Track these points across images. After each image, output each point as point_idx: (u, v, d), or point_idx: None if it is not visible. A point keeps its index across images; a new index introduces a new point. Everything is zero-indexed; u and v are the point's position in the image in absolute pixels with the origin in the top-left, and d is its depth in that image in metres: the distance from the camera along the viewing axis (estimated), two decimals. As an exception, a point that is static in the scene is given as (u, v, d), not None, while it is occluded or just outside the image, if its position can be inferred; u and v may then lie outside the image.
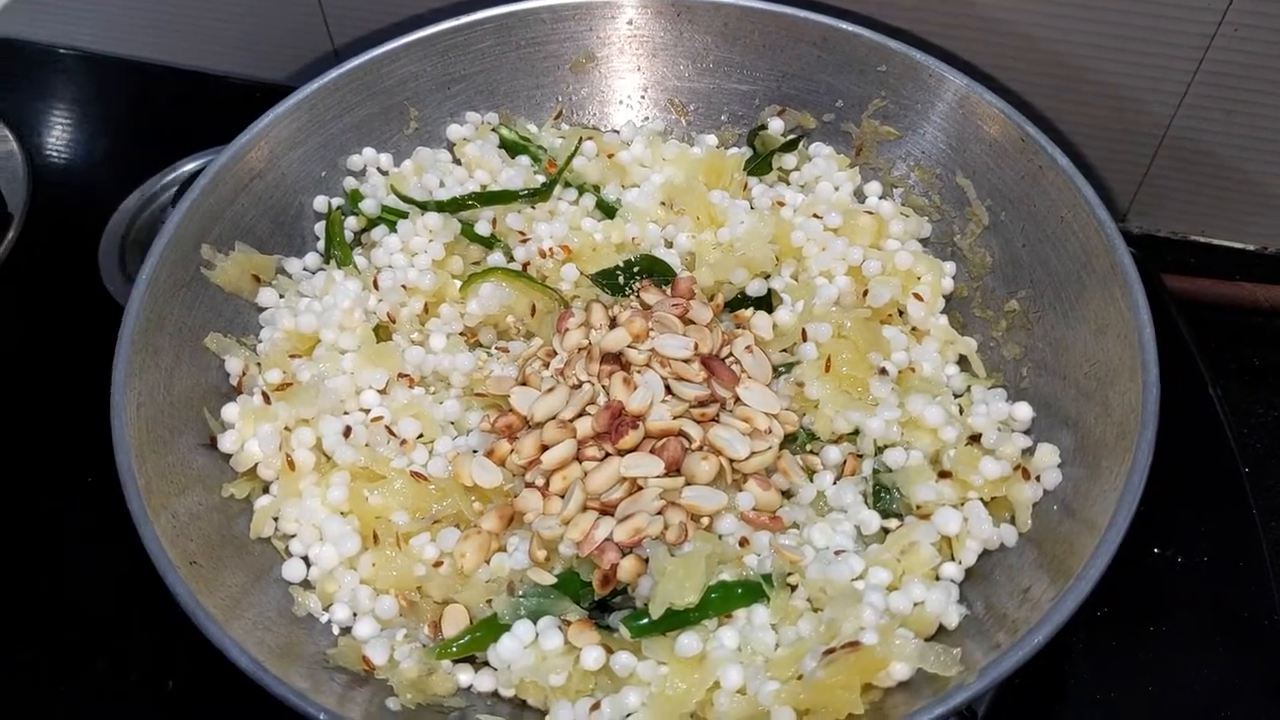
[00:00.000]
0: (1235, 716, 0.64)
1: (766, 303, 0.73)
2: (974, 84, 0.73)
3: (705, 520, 0.61)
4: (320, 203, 0.78)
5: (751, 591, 0.58)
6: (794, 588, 0.59)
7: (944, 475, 0.63)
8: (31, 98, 1.04)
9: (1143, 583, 0.70)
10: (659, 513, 0.61)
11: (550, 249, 0.75)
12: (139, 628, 0.66)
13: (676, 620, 0.57)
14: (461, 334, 0.72)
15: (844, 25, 0.77)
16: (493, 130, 0.83)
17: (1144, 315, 0.60)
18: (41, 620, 0.69)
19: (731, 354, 0.69)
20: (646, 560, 0.60)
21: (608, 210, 0.78)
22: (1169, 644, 0.68)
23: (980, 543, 0.61)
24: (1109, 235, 0.64)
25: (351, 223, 0.77)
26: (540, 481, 0.64)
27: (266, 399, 0.64)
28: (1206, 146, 0.89)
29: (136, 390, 0.61)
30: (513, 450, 0.65)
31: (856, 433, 0.66)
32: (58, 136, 1.01)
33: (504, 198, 0.76)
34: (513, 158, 0.81)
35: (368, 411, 0.66)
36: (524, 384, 0.69)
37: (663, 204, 0.78)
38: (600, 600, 0.61)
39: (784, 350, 0.70)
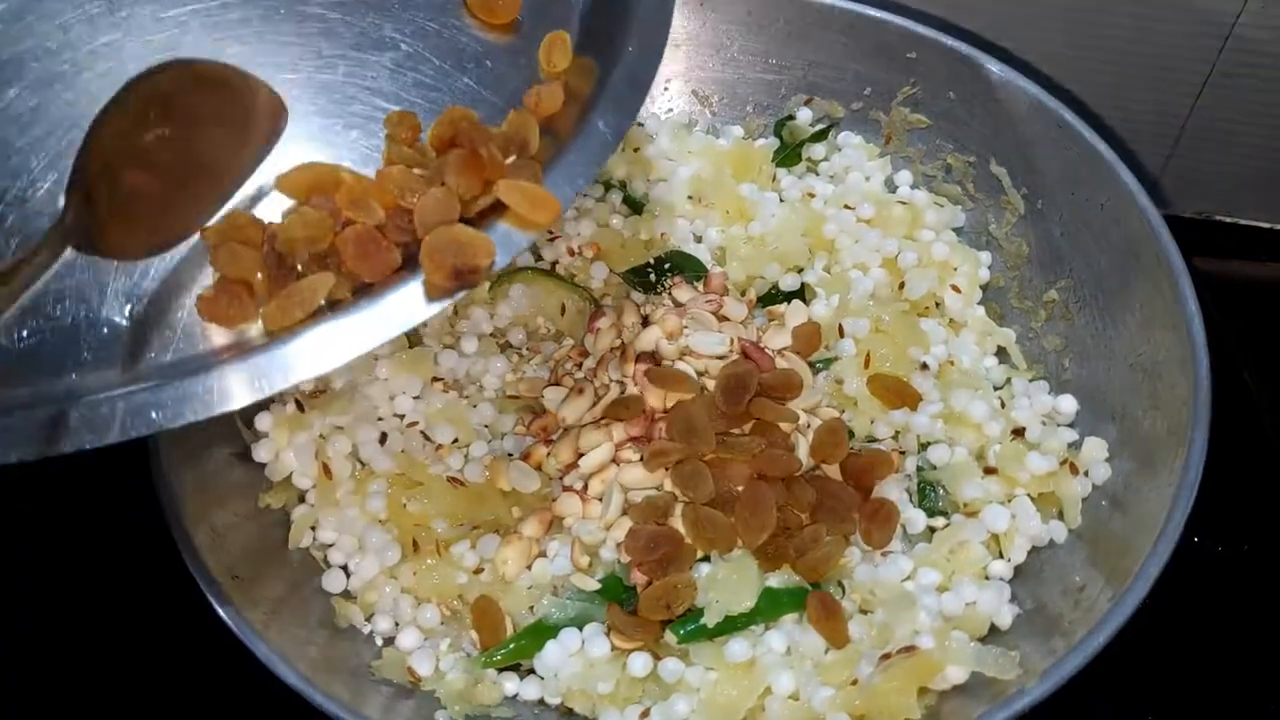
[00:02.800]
0: (1280, 707, 0.64)
1: (800, 297, 0.72)
2: (1006, 69, 0.72)
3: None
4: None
5: (798, 597, 0.57)
6: (843, 590, 0.59)
7: (989, 471, 0.62)
8: None
9: (1183, 572, 0.69)
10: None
11: (579, 247, 0.74)
12: (176, 642, 0.65)
13: (724, 625, 0.57)
14: (492, 335, 0.71)
15: (870, 11, 0.76)
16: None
17: (1192, 307, 0.59)
18: (78, 634, 0.68)
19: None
20: (690, 563, 0.60)
21: (635, 206, 0.77)
22: (1211, 634, 0.67)
23: (1029, 540, 0.60)
24: (1153, 224, 0.63)
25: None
26: (579, 485, 0.63)
27: (300, 407, 0.63)
28: (1232, 125, 0.88)
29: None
30: (549, 454, 0.64)
31: (896, 435, 0.65)
32: None
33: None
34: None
35: (402, 417, 0.65)
36: (557, 384, 0.68)
37: (691, 198, 0.76)
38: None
39: (822, 345, 0.69)
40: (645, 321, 0.69)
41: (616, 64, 0.47)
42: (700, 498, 0.59)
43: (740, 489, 0.60)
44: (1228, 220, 0.95)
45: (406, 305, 0.43)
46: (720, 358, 0.66)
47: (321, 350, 0.43)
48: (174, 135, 0.45)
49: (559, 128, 0.49)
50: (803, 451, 0.63)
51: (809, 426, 0.64)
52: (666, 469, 0.61)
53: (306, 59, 0.50)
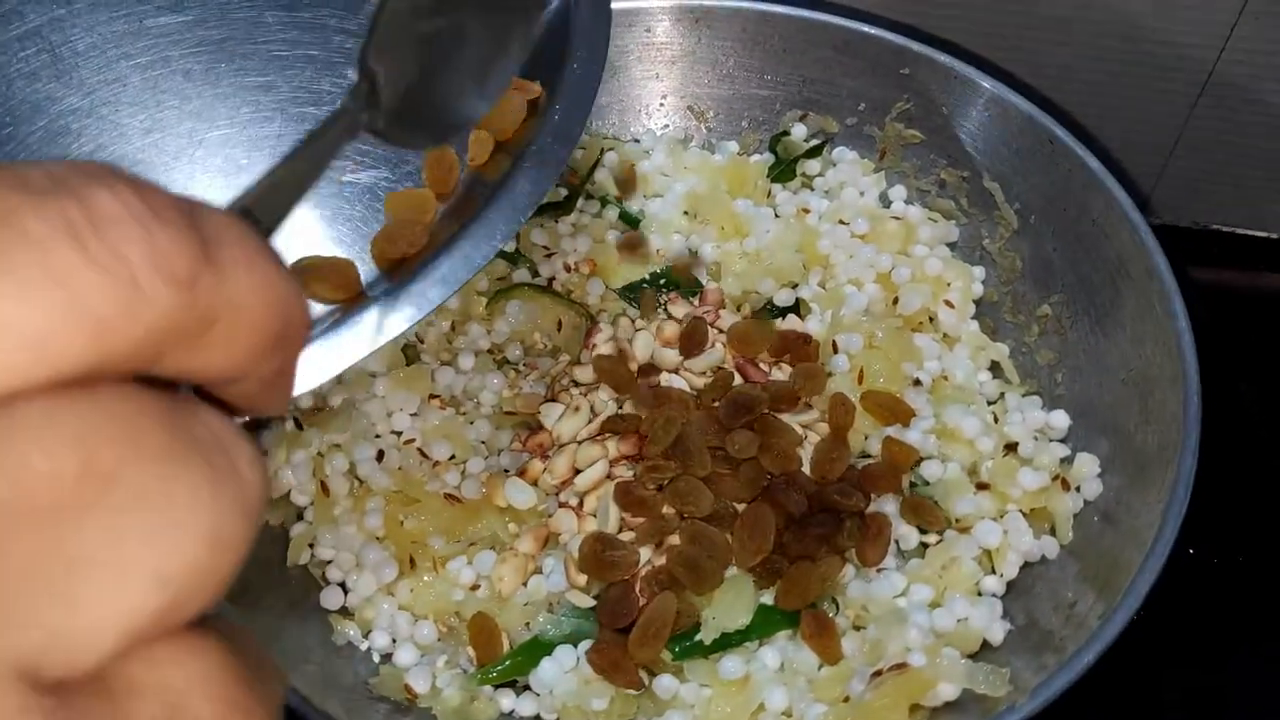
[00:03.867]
0: None
1: (795, 312, 0.73)
2: (999, 84, 0.72)
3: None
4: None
5: (792, 614, 0.58)
6: (836, 606, 0.59)
7: (981, 487, 0.62)
8: None
9: (1178, 584, 0.69)
10: (695, 532, 0.61)
11: (575, 264, 0.74)
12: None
13: (719, 642, 0.57)
14: (489, 352, 0.72)
15: (865, 28, 0.76)
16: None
17: (1182, 323, 0.59)
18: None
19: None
20: (684, 580, 0.60)
21: (631, 222, 0.77)
22: (1206, 646, 0.67)
23: (1021, 555, 0.60)
24: (1143, 239, 0.63)
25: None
26: (574, 501, 0.64)
27: (299, 425, 0.64)
28: (1228, 135, 0.88)
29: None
30: (545, 470, 0.64)
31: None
32: None
33: (526, 212, 0.76)
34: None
35: (399, 434, 0.66)
36: (553, 400, 0.69)
37: (686, 214, 0.77)
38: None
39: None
40: (642, 337, 0.70)
41: (544, 121, 0.47)
42: (700, 511, 0.60)
43: (739, 506, 0.60)
44: (1225, 230, 0.95)
45: (380, 323, 0.43)
46: (716, 369, 0.67)
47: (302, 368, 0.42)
48: (447, 26, 0.43)
49: (486, 175, 0.49)
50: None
51: (806, 439, 0.65)
52: (662, 487, 0.61)
53: (244, 110, 0.51)
